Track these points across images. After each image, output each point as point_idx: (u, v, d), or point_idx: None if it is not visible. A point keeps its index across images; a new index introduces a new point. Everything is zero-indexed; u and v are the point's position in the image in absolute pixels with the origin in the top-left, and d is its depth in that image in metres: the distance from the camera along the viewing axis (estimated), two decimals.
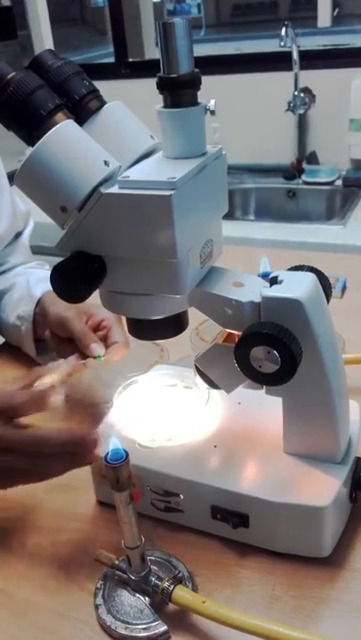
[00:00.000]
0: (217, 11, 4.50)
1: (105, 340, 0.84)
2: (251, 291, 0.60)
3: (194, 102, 0.56)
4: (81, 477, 0.73)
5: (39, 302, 0.96)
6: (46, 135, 0.53)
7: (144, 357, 0.93)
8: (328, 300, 0.62)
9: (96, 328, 0.86)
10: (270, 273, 0.63)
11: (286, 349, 0.55)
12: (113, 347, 0.83)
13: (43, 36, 2.89)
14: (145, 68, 2.64)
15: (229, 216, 2.29)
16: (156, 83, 0.55)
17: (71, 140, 0.55)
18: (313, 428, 0.63)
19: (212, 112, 0.57)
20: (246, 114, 2.43)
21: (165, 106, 0.56)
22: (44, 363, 0.97)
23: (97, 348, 0.81)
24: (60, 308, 0.87)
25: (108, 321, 0.85)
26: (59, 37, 3.00)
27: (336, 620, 0.58)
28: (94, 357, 0.81)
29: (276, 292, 0.58)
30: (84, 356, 0.82)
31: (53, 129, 0.54)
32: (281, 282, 0.59)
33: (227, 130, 2.32)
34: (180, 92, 0.55)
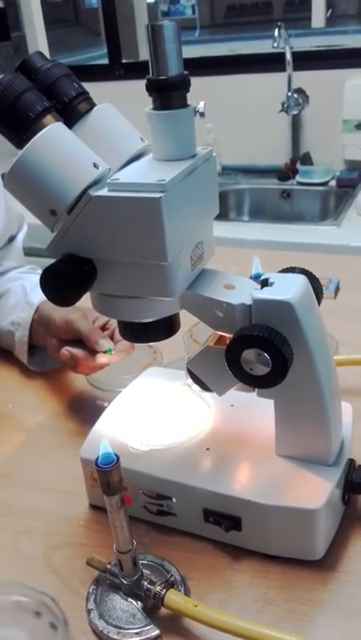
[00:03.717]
0: (211, 11, 4.50)
1: (111, 339, 0.85)
2: (242, 293, 0.60)
3: (183, 104, 0.56)
4: (73, 481, 0.73)
5: (38, 310, 0.95)
6: (35, 138, 0.53)
7: (137, 359, 0.93)
8: (319, 302, 0.62)
9: (102, 328, 0.87)
10: (262, 274, 0.63)
11: (277, 352, 0.54)
12: (119, 343, 0.84)
13: (37, 38, 2.89)
14: (139, 70, 2.64)
15: (223, 217, 2.30)
16: (146, 85, 0.55)
17: (60, 142, 0.55)
18: (305, 430, 0.63)
19: (202, 114, 0.56)
20: (240, 115, 2.43)
21: (155, 108, 0.56)
22: (36, 368, 0.98)
23: (105, 342, 0.82)
24: (63, 311, 0.87)
25: (113, 321, 0.86)
26: (53, 39, 3.00)
27: (329, 623, 0.58)
28: (104, 352, 0.82)
29: (266, 294, 0.58)
30: (94, 352, 0.82)
31: (42, 132, 0.54)
32: (272, 284, 0.59)
33: (221, 131, 2.32)
34: (169, 95, 0.55)
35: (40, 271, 1.12)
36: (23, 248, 1.15)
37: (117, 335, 0.85)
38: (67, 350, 0.84)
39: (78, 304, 0.58)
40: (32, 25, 2.87)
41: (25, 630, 0.56)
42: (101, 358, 0.83)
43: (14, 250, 1.12)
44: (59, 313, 0.89)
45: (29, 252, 1.17)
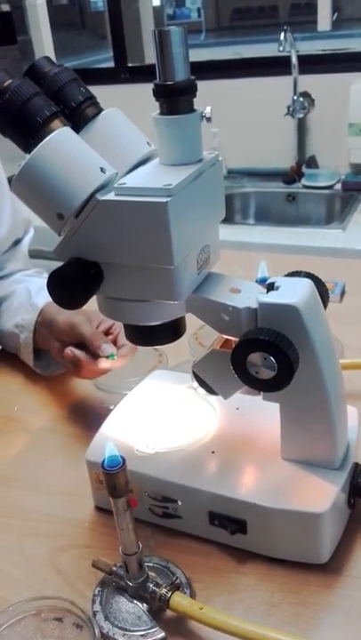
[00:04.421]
0: (217, 15, 4.51)
1: (114, 344, 0.85)
2: (248, 297, 0.60)
3: (190, 109, 0.56)
4: (79, 483, 0.73)
5: (41, 312, 0.95)
6: (42, 142, 0.54)
7: (143, 362, 0.93)
8: (325, 306, 0.62)
9: (105, 333, 0.87)
10: (268, 278, 0.63)
11: (283, 356, 0.54)
12: (122, 348, 0.85)
13: (43, 41, 2.90)
14: (144, 73, 2.64)
15: (229, 220, 2.30)
16: (153, 90, 0.55)
17: (67, 147, 0.55)
18: (311, 434, 0.63)
19: (208, 119, 0.57)
20: (246, 118, 2.43)
21: (162, 113, 0.56)
22: (42, 371, 0.98)
23: (108, 347, 0.82)
24: (67, 313, 0.87)
25: (117, 325, 0.86)
26: (59, 42, 3.01)
27: (334, 627, 0.58)
28: (106, 357, 0.82)
29: (272, 298, 0.58)
30: (96, 356, 0.82)
31: (50, 136, 0.54)
32: (278, 288, 0.59)
33: (226, 134, 2.33)
34: (176, 100, 0.55)
35: (45, 274, 1.12)
36: (30, 251, 1.15)
37: (120, 340, 0.85)
38: (70, 350, 0.84)
39: (85, 307, 0.58)
40: (38, 28, 2.89)
41: (51, 637, 0.56)
42: (104, 363, 0.82)
43: (20, 253, 1.12)
44: (62, 316, 0.89)
45: (36, 255, 1.18)
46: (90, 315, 0.86)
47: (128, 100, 1.18)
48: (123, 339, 0.85)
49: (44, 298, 0.96)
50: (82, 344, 0.85)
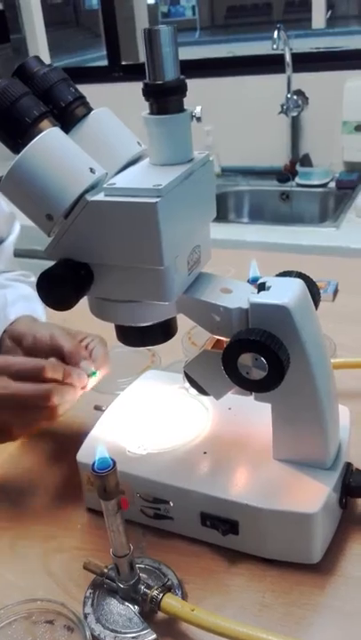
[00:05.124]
0: (211, 13, 4.51)
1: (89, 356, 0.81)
2: (239, 297, 0.60)
3: (180, 109, 0.56)
4: (71, 485, 0.73)
5: (12, 324, 0.88)
6: (31, 143, 0.53)
7: (135, 362, 0.93)
8: (316, 306, 0.62)
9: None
10: (260, 277, 0.63)
11: (274, 356, 0.54)
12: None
13: (37, 40, 2.89)
14: (138, 72, 2.62)
15: (223, 219, 2.31)
16: (142, 90, 0.55)
17: (57, 147, 0.55)
18: (302, 434, 0.63)
19: (198, 119, 0.57)
20: (240, 116, 2.43)
21: (151, 112, 0.56)
22: None
23: (87, 365, 0.76)
24: (47, 325, 0.83)
25: (93, 342, 0.81)
26: (53, 40, 3.00)
27: (326, 627, 0.58)
28: (88, 375, 0.77)
29: (263, 298, 0.58)
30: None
31: (38, 137, 0.54)
32: (269, 288, 0.59)
33: (220, 132, 2.32)
34: (165, 99, 0.55)
35: (33, 278, 1.09)
36: (22, 250, 1.12)
37: (93, 355, 0.79)
38: (54, 359, 0.76)
39: (75, 308, 0.58)
40: (32, 27, 2.88)
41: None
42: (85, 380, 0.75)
43: (2, 253, 1.06)
44: (43, 328, 0.83)
45: (28, 255, 1.16)
46: (70, 330, 0.83)
47: (122, 99, 1.17)
48: (96, 355, 0.79)
49: (18, 310, 0.89)
50: (60, 359, 0.78)
